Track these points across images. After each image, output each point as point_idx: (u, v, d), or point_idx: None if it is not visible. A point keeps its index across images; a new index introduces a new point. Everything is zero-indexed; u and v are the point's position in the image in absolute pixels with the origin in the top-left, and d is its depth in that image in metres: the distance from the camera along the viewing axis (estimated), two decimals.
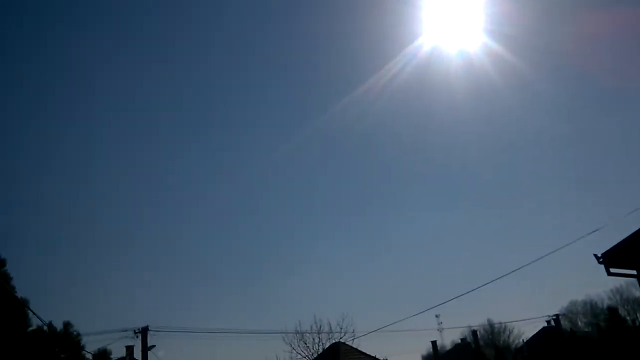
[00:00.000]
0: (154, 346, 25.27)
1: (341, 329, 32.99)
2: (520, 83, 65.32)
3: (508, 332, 75.98)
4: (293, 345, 33.01)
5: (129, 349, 28.08)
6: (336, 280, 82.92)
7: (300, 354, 32.76)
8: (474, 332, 65.62)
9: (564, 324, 62.74)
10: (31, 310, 11.11)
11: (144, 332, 25.10)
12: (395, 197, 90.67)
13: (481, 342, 68.15)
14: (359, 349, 35.79)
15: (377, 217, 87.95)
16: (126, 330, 24.93)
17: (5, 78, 59.49)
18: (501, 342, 74.29)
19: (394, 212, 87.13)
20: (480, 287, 26.86)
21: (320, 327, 33.56)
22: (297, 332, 33.31)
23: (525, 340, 60.99)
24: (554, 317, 55.38)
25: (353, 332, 33.57)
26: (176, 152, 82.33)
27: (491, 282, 26.63)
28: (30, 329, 10.53)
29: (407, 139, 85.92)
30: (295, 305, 78.85)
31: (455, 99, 68.07)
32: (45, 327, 12.43)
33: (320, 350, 33.32)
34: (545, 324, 55.64)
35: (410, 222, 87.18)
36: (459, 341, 68.58)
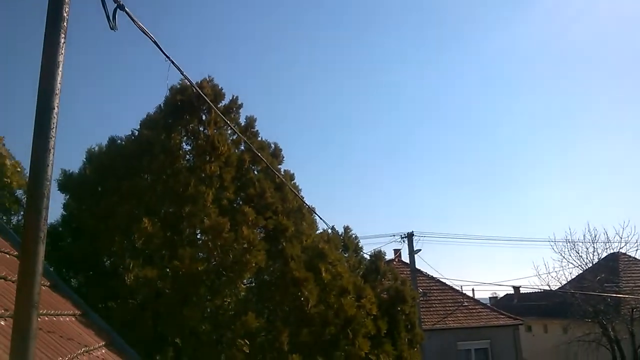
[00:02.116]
0: (419, 250, 24.70)
1: (621, 238, 27.83)
2: None
3: None
4: (563, 254, 29.10)
5: (397, 253, 28.56)
6: (615, 181, 72.38)
7: (572, 263, 29.04)
8: None
9: None
10: (318, 215, 10.99)
11: (409, 237, 24.65)
12: None
13: None
14: None
15: None
16: (394, 236, 25.16)
17: None
18: None
19: None
20: None
21: (596, 235, 28.76)
22: (567, 241, 29.47)
23: None
24: None
25: (637, 241, 28.27)
26: None
27: None
28: (318, 231, 10.39)
29: None
30: (565, 212, 73.38)
31: None
32: (329, 230, 12.12)
33: (596, 260, 28.96)
34: None
35: None
36: None
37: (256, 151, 8.71)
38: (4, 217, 9.85)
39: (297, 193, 10.03)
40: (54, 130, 2.31)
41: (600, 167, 72.80)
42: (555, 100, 76.44)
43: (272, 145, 10.46)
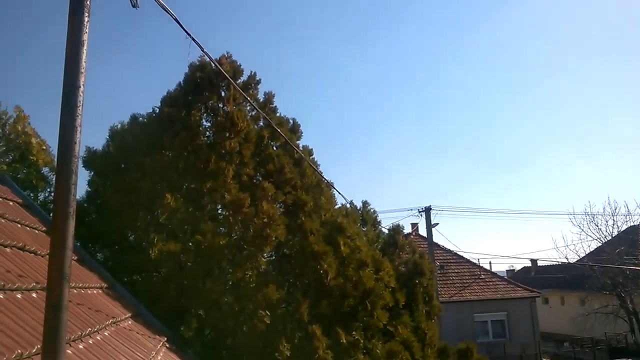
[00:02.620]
0: (437, 224, 24.87)
1: None
2: None
3: None
4: (582, 227, 28.92)
5: (414, 226, 28.72)
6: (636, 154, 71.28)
7: (590, 236, 28.86)
8: None
9: None
10: (337, 190, 11.01)
11: (427, 211, 24.84)
12: None
13: None
14: None
15: None
16: (411, 210, 25.36)
17: None
18: None
19: None
20: None
21: (616, 208, 28.43)
22: (587, 214, 29.23)
23: None
24: None
25: None
26: None
27: None
28: (337, 206, 10.44)
29: None
30: (586, 185, 72.43)
31: None
32: (348, 205, 12.19)
33: (615, 233, 28.67)
34: None
35: None
36: None
37: (275, 127, 8.74)
38: (32, 194, 10.09)
39: (315, 168, 10.06)
40: (80, 108, 2.35)
41: (622, 140, 71.40)
42: (577, 74, 74.62)
43: (291, 121, 10.47)
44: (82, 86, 2.38)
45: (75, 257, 5.66)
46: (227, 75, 7.66)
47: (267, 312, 7.09)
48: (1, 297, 2.91)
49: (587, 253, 30.24)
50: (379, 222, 15.53)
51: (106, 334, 4.12)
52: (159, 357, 4.98)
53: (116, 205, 8.24)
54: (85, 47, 2.39)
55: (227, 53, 9.16)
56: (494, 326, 28.80)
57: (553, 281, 35.96)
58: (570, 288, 32.10)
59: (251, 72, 9.64)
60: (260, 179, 8.91)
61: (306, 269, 8.01)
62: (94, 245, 8.77)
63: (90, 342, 3.58)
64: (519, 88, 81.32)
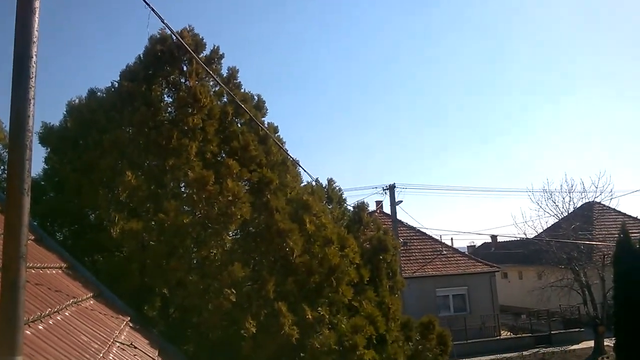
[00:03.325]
0: (401, 201, 25.23)
1: (596, 187, 28.61)
2: None
3: None
4: (540, 204, 29.93)
5: (379, 204, 29.02)
6: (591, 134, 73.43)
7: (548, 212, 29.84)
8: None
9: None
10: (302, 168, 11.01)
11: (391, 189, 25.11)
12: None
13: None
14: (617, 208, 31.22)
15: None
16: (376, 188, 25.64)
17: None
18: None
19: None
20: None
21: (572, 185, 29.48)
22: (545, 191, 30.16)
23: None
24: None
25: (611, 191, 29.24)
26: None
27: None
28: (302, 184, 10.43)
29: None
30: (543, 162, 74.32)
31: None
32: (313, 183, 12.22)
33: (571, 210, 29.77)
34: None
35: None
36: None
37: (239, 102, 8.60)
38: None
39: (281, 145, 10.00)
40: (33, 79, 2.25)
41: (581, 118, 73.75)
42: (541, 51, 76.17)
43: (255, 97, 10.32)
44: (34, 56, 2.27)
45: (33, 237, 5.48)
46: (189, 49, 7.46)
47: (233, 290, 7.08)
48: None
49: (544, 229, 31.35)
50: (344, 199, 15.69)
51: (67, 314, 4.03)
52: (123, 336, 4.91)
53: (75, 183, 8.00)
54: (36, 15, 2.28)
55: (189, 26, 8.90)
56: (455, 300, 29.72)
57: (512, 256, 37.24)
58: (528, 263, 33.31)
59: (214, 46, 9.42)
60: (225, 156, 8.79)
61: (272, 247, 8.00)
62: (52, 224, 8.52)
63: (51, 322, 3.50)
64: (480, 62, 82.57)
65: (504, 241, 41.64)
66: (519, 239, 33.73)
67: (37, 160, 8.89)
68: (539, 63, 79.74)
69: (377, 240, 11.82)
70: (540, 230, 31.26)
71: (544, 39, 79.45)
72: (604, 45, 75.16)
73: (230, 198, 7.43)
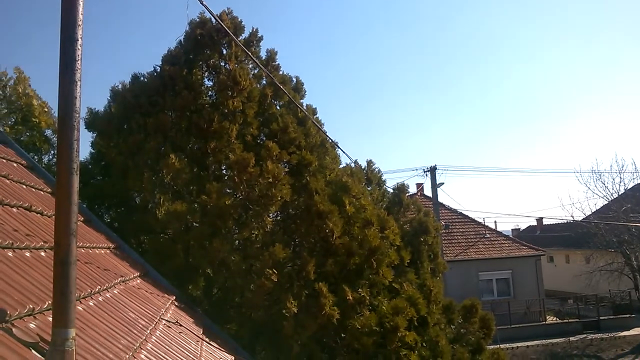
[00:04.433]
0: (442, 184, 24.88)
1: None
2: None
3: None
4: (588, 185, 28.87)
5: (419, 186, 28.72)
6: None
7: (597, 194, 28.81)
8: None
9: None
10: (341, 149, 10.93)
11: (432, 171, 24.77)
12: None
13: None
14: None
15: None
16: (416, 170, 25.34)
17: None
18: None
19: None
20: None
21: (623, 166, 28.25)
22: (593, 171, 29.09)
23: None
24: None
25: None
26: None
27: None
28: (341, 165, 10.46)
29: None
30: (593, 143, 71.71)
31: None
32: (352, 164, 12.12)
33: (622, 191, 28.61)
34: None
35: None
36: None
37: (278, 84, 8.61)
38: (35, 157, 10.10)
39: (319, 127, 9.97)
40: (79, 62, 2.29)
41: (633, 94, 70.30)
42: (592, 38, 72.78)
43: (294, 79, 10.31)
44: (80, 39, 2.30)
45: (82, 218, 5.68)
46: (228, 32, 7.49)
47: (274, 271, 7.17)
48: (10, 255, 2.92)
49: (593, 211, 30.29)
50: (384, 181, 15.54)
51: (115, 291, 4.17)
52: (168, 315, 5.06)
53: (120, 166, 8.24)
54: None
55: (227, 9, 8.94)
56: (499, 284, 29.20)
57: (558, 239, 36.18)
58: (576, 246, 32.32)
59: (253, 28, 9.44)
60: (264, 138, 8.85)
61: (312, 228, 8.04)
62: (100, 207, 8.82)
63: (100, 299, 3.63)
64: (527, 47, 79.66)
65: (550, 224, 40.49)
66: (566, 221, 32.72)
67: (84, 145, 9.20)
68: (584, 42, 76.28)
69: (418, 222, 11.70)
70: (588, 213, 30.27)
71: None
72: None
73: (270, 180, 7.49)
